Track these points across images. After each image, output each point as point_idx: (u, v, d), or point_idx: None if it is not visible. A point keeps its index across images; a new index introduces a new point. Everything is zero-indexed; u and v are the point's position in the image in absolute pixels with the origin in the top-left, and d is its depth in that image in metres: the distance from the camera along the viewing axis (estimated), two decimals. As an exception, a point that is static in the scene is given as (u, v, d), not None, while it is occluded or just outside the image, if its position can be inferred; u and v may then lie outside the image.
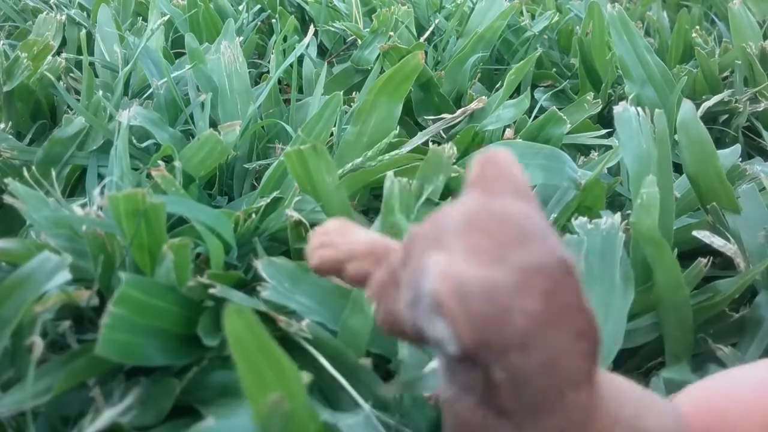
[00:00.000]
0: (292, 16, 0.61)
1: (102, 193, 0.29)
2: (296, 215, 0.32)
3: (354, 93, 0.53)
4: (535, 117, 0.45)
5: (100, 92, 0.43)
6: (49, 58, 0.47)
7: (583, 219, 0.31)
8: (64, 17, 0.56)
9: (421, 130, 0.44)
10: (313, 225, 0.30)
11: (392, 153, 0.38)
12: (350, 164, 0.37)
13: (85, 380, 0.25)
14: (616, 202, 0.42)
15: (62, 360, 0.25)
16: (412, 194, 0.32)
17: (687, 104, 0.37)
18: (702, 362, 0.31)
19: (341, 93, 0.40)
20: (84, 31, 0.51)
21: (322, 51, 0.63)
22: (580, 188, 0.37)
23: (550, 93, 0.56)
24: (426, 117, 0.49)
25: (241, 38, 0.54)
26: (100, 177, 0.40)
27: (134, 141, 0.41)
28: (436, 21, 0.64)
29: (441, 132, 0.46)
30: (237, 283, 0.29)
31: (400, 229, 0.30)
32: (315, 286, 0.29)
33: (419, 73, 0.43)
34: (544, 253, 0.15)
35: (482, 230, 0.16)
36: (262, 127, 0.45)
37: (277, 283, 0.28)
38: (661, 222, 0.33)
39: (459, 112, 0.48)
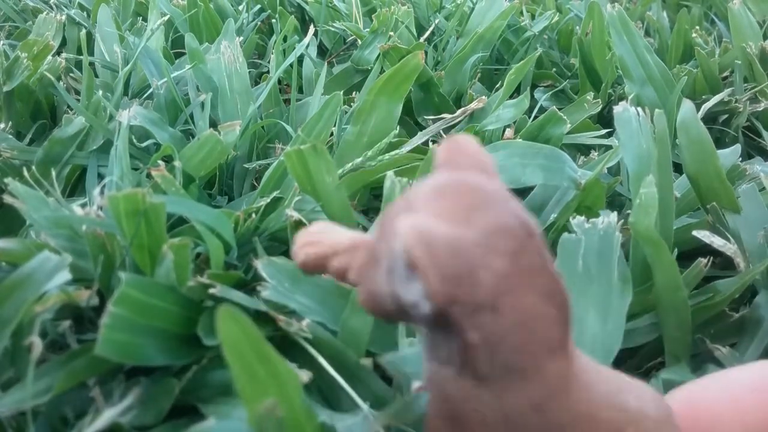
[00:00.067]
0: (292, 16, 0.61)
1: (102, 193, 0.29)
2: (296, 215, 0.32)
3: (354, 93, 0.53)
4: (535, 117, 0.45)
5: (100, 92, 0.43)
6: (49, 58, 0.47)
7: (580, 218, 0.31)
8: (64, 17, 0.56)
9: (421, 130, 0.44)
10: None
11: (392, 153, 0.38)
12: (350, 164, 0.37)
13: (85, 380, 0.25)
14: (616, 202, 0.42)
15: (62, 360, 0.25)
16: (412, 194, 0.32)
17: (687, 104, 0.37)
18: (701, 362, 0.31)
19: (341, 93, 0.40)
20: (84, 31, 0.51)
21: (322, 51, 0.63)
22: (580, 188, 0.37)
23: (550, 93, 0.56)
24: (426, 117, 0.49)
25: (241, 38, 0.54)
26: (100, 177, 0.40)
27: (134, 141, 0.41)
28: (436, 21, 0.64)
29: (441, 132, 0.46)
30: (237, 283, 0.29)
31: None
32: (315, 286, 0.29)
33: (419, 73, 0.43)
34: (508, 215, 0.17)
35: (449, 197, 0.17)
36: (262, 127, 0.45)
37: (277, 283, 0.28)
38: (661, 222, 0.33)
39: (459, 112, 0.48)
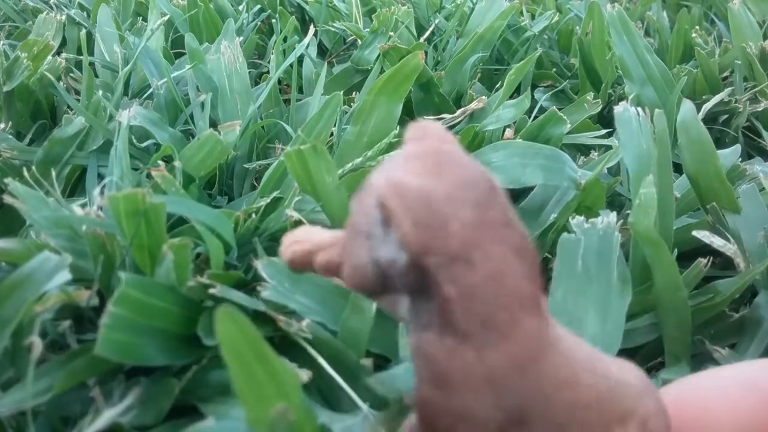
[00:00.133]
0: (292, 16, 0.61)
1: (102, 193, 0.29)
2: (296, 215, 0.32)
3: (354, 93, 0.53)
4: (535, 117, 0.45)
5: (100, 92, 0.43)
6: (49, 58, 0.47)
7: (580, 218, 0.31)
8: (64, 17, 0.56)
9: (421, 130, 0.44)
10: (313, 225, 0.30)
11: (392, 153, 0.38)
12: (350, 164, 0.37)
13: (85, 380, 0.25)
14: (616, 202, 0.42)
15: (62, 360, 0.25)
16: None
17: (687, 104, 0.37)
18: (701, 363, 0.31)
19: (341, 93, 0.40)
20: (84, 31, 0.51)
21: (322, 51, 0.63)
22: (580, 188, 0.37)
23: (550, 93, 0.56)
24: (426, 117, 0.49)
25: (241, 38, 0.54)
26: (100, 177, 0.40)
27: (134, 141, 0.41)
28: (436, 21, 0.64)
29: (441, 132, 0.46)
30: (237, 283, 0.29)
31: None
32: (315, 286, 0.29)
33: (419, 73, 0.43)
34: (471, 170, 0.18)
35: (417, 159, 0.18)
36: (262, 127, 0.45)
37: (277, 283, 0.28)
38: (661, 222, 0.33)
39: (459, 112, 0.48)
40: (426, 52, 0.57)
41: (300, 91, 0.53)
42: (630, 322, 0.30)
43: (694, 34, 0.65)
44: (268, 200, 0.33)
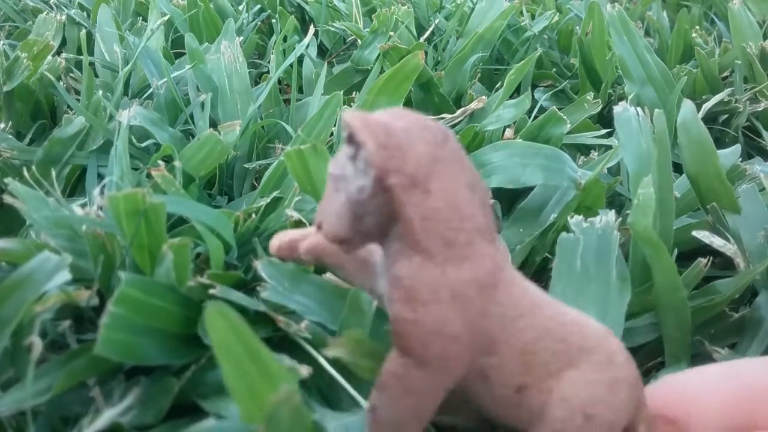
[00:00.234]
0: (292, 16, 0.61)
1: (102, 193, 0.29)
2: (296, 215, 0.32)
3: (354, 93, 0.53)
4: (535, 117, 0.45)
5: (100, 92, 0.43)
6: (49, 58, 0.47)
7: (578, 217, 0.31)
8: (64, 17, 0.56)
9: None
10: (312, 225, 0.30)
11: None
12: (350, 164, 0.37)
13: (84, 380, 0.25)
14: (616, 202, 0.42)
15: (62, 360, 0.25)
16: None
17: (687, 104, 0.37)
18: (702, 363, 0.31)
19: (341, 93, 0.40)
20: (84, 31, 0.51)
21: (322, 51, 0.63)
22: (580, 188, 0.37)
23: (550, 93, 0.56)
24: (422, 114, 0.49)
25: (241, 38, 0.54)
26: (100, 177, 0.40)
27: (134, 141, 0.41)
28: (436, 21, 0.64)
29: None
30: (237, 283, 0.29)
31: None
32: (314, 286, 0.29)
33: (419, 73, 0.43)
34: (429, 121, 0.20)
35: (380, 115, 0.20)
36: (262, 127, 0.45)
37: (276, 283, 0.28)
38: (661, 222, 0.33)
39: (459, 112, 0.48)
40: (426, 52, 0.57)
41: (300, 91, 0.53)
42: (630, 322, 0.30)
43: (694, 34, 0.65)
44: (268, 200, 0.33)
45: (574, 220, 0.31)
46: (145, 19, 0.62)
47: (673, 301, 0.30)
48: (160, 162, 0.34)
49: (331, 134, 0.41)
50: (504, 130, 0.46)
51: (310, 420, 0.21)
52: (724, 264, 0.35)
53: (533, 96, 0.54)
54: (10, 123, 0.44)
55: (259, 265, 0.29)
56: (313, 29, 0.53)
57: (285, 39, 0.56)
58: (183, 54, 0.51)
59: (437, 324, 0.19)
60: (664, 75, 0.50)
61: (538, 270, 0.37)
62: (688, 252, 0.35)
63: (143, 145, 0.41)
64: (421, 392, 0.20)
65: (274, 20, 0.64)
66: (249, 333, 0.18)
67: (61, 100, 0.47)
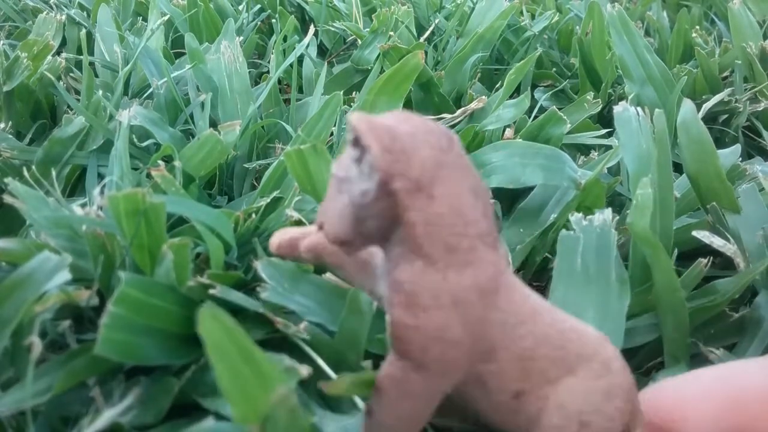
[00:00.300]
0: (292, 16, 0.61)
1: (102, 192, 0.29)
2: (296, 215, 0.32)
3: (354, 93, 0.53)
4: (535, 117, 0.45)
5: (100, 92, 0.43)
6: (49, 58, 0.47)
7: (578, 215, 0.31)
8: (64, 17, 0.56)
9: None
10: (313, 224, 0.30)
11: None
12: (350, 164, 0.37)
13: (84, 380, 0.25)
14: (616, 202, 0.42)
15: (62, 360, 0.25)
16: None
17: (687, 104, 0.37)
18: (702, 363, 0.31)
19: (341, 93, 0.40)
20: (84, 31, 0.51)
21: (322, 51, 0.63)
22: (580, 188, 0.37)
23: (550, 93, 0.56)
24: (426, 117, 0.49)
25: (241, 38, 0.54)
26: (100, 177, 0.40)
27: (134, 141, 0.41)
28: (436, 21, 0.64)
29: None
30: (237, 284, 0.29)
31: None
32: (314, 287, 0.29)
33: (419, 73, 0.43)
34: (434, 124, 0.20)
35: (386, 118, 0.20)
36: (262, 127, 0.45)
37: (276, 284, 0.28)
38: (661, 222, 0.33)
39: (459, 112, 0.48)
40: (426, 52, 0.57)
41: (300, 91, 0.53)
42: (630, 322, 0.30)
43: (694, 34, 0.65)
44: (268, 200, 0.33)
45: (575, 217, 0.31)
46: (145, 19, 0.62)
47: (671, 302, 0.30)
48: (160, 162, 0.34)
49: (331, 134, 0.41)
50: (504, 130, 0.46)
51: (308, 422, 0.21)
52: (724, 264, 0.35)
53: (533, 96, 0.54)
54: (10, 123, 0.44)
55: (259, 266, 0.29)
56: (313, 29, 0.53)
57: (285, 39, 0.56)
58: (183, 54, 0.51)
59: (438, 330, 0.19)
60: (664, 75, 0.50)
61: (538, 270, 0.37)
62: (689, 252, 0.35)
63: (143, 145, 0.41)
64: (419, 396, 0.20)
65: (274, 20, 0.64)
66: (242, 334, 0.18)
67: (61, 100, 0.47)
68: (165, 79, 0.45)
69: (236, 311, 0.28)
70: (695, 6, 0.79)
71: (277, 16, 0.63)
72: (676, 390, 0.22)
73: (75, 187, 0.41)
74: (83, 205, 0.28)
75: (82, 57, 0.46)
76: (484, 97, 0.48)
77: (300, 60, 0.52)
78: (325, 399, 0.27)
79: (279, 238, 0.26)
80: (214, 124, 0.44)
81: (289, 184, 0.36)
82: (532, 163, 0.38)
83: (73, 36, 0.58)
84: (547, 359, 0.20)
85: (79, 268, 0.28)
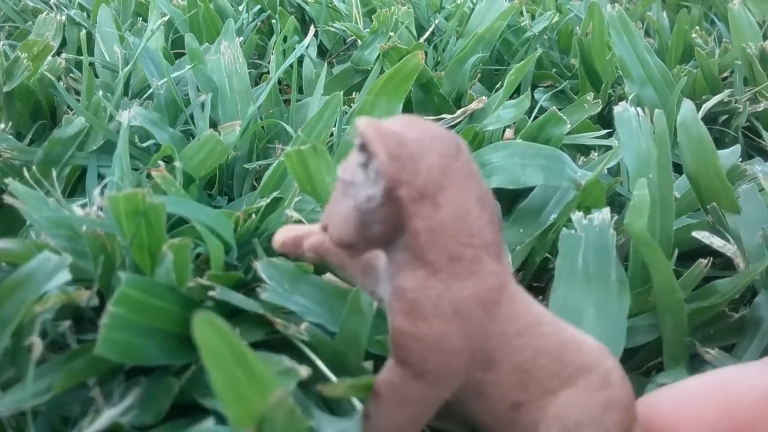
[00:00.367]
0: (292, 16, 0.61)
1: (102, 193, 0.29)
2: (296, 215, 0.32)
3: (354, 93, 0.53)
4: (535, 117, 0.45)
5: (100, 92, 0.43)
6: (49, 58, 0.47)
7: (579, 214, 0.31)
8: (64, 17, 0.56)
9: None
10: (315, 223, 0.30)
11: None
12: (350, 164, 0.37)
13: (84, 380, 0.25)
14: (616, 203, 0.42)
15: (62, 360, 0.25)
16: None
17: (687, 104, 0.37)
18: (701, 364, 0.31)
19: (341, 93, 0.40)
20: (84, 31, 0.51)
21: (322, 51, 0.63)
22: (580, 188, 0.37)
23: (550, 93, 0.56)
24: (426, 117, 0.49)
25: (241, 38, 0.54)
26: (101, 177, 0.40)
27: (134, 141, 0.41)
28: (436, 21, 0.64)
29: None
30: (237, 284, 0.29)
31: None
32: (315, 287, 0.29)
33: (419, 74, 0.43)
34: (441, 130, 0.20)
35: (395, 119, 0.20)
36: (262, 127, 0.45)
37: (276, 284, 0.28)
38: (661, 222, 0.33)
39: (459, 112, 0.48)
40: (426, 52, 0.57)
41: (300, 91, 0.53)
42: (630, 322, 0.30)
43: (694, 35, 0.65)
44: (268, 200, 0.33)
45: (576, 216, 0.31)
46: (145, 20, 0.62)
47: (670, 302, 0.30)
48: (160, 162, 0.34)
49: (331, 135, 0.42)
50: (504, 131, 0.46)
51: (306, 425, 0.21)
52: (724, 264, 0.35)
53: (533, 96, 0.54)
54: (10, 123, 0.44)
55: (259, 266, 0.29)
56: (313, 29, 0.53)
57: (285, 39, 0.56)
58: (183, 54, 0.51)
59: (438, 339, 0.19)
60: (664, 75, 0.50)
61: (537, 270, 0.37)
62: (689, 252, 0.35)
63: (143, 145, 0.41)
64: (416, 403, 0.20)
65: (274, 20, 0.64)
66: (236, 338, 0.18)
67: (61, 100, 0.47)
68: (165, 79, 0.45)
69: (236, 312, 0.28)
70: (695, 6, 0.79)
71: (277, 16, 0.63)
72: (672, 399, 0.22)
73: (75, 187, 0.41)
74: (83, 206, 0.28)
75: (82, 57, 0.46)
76: (484, 97, 0.48)
77: (300, 60, 0.52)
78: (324, 400, 0.27)
79: (283, 235, 0.26)
80: (214, 124, 0.44)
81: (289, 184, 0.36)
82: (532, 163, 0.38)
83: (73, 36, 0.58)
84: (546, 371, 0.20)
85: (79, 269, 0.28)
